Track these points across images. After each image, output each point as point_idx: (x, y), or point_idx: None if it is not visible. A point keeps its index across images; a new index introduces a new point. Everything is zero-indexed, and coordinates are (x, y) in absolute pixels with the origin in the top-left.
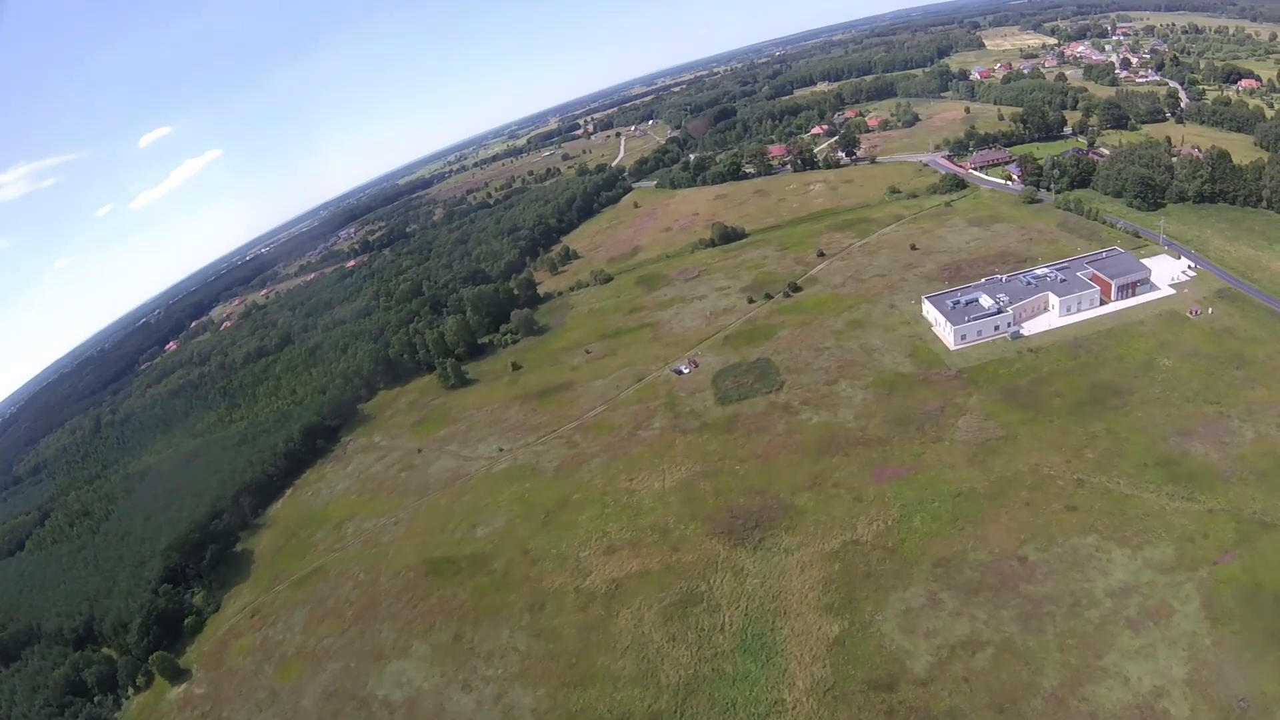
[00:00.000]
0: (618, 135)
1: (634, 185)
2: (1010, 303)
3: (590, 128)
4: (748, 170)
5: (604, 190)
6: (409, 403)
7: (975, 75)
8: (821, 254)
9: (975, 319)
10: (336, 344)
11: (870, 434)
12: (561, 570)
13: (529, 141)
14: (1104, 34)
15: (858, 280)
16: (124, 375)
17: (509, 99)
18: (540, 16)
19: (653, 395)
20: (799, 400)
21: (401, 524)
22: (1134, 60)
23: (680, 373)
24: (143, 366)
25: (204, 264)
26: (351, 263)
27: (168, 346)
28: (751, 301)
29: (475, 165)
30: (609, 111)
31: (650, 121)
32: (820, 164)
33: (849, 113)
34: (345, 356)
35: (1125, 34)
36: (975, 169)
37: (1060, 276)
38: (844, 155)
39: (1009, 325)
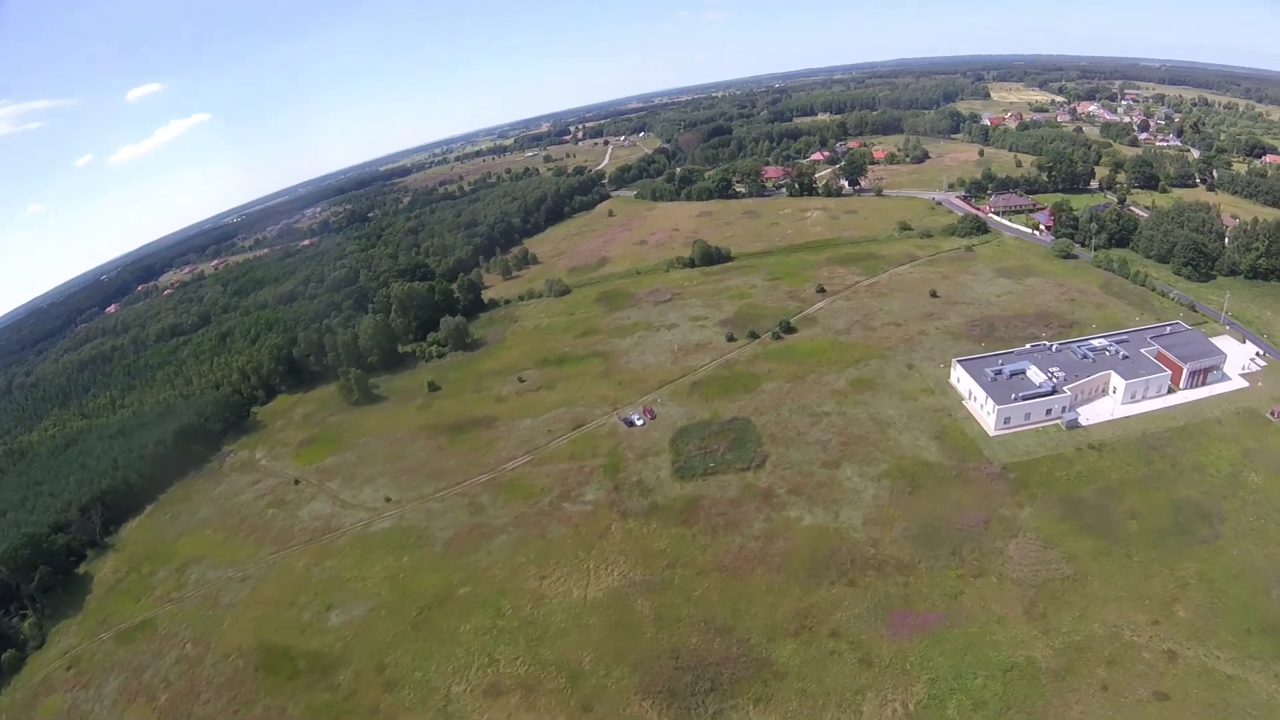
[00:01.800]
0: (605, 143)
1: (613, 193)
2: (1066, 380)
3: (579, 134)
4: (738, 189)
5: (579, 194)
6: (304, 415)
7: (986, 120)
8: (821, 290)
9: (1024, 398)
10: (248, 332)
11: (885, 553)
12: (423, 709)
13: (516, 142)
14: (1112, 97)
15: (866, 327)
16: (58, 334)
17: (503, 101)
18: (547, 19)
19: (591, 451)
20: (786, 486)
21: (249, 583)
22: (1152, 123)
23: (632, 424)
24: (77, 328)
25: (176, 228)
26: (305, 241)
27: (108, 309)
28: (731, 340)
29: (457, 159)
30: (601, 121)
31: (641, 134)
32: (820, 191)
33: (852, 143)
34: (252, 348)
35: (1134, 99)
36: (995, 214)
37: (1121, 352)
38: (847, 184)
39: (1064, 410)
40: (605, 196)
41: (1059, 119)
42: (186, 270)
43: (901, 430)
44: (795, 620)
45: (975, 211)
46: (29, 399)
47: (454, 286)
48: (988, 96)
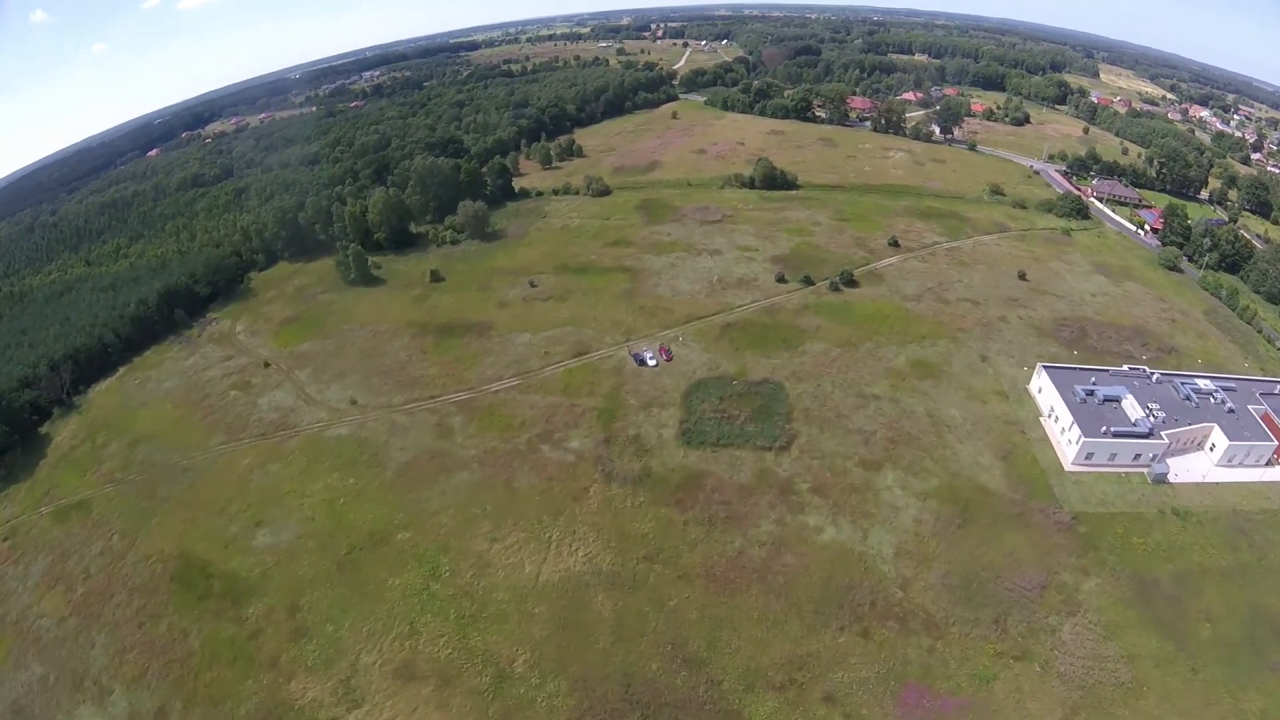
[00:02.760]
0: (685, 45)
1: (681, 95)
2: (1165, 423)
3: (659, 32)
4: (818, 114)
5: (644, 90)
6: (298, 288)
7: (1094, 98)
8: (895, 243)
9: (1116, 434)
10: (263, 190)
11: (915, 601)
12: (322, 678)
13: (592, 31)
14: (1226, 108)
15: (940, 298)
16: (96, 174)
17: None
18: None
19: (589, 387)
20: (811, 482)
21: (189, 475)
22: (1265, 145)
23: (643, 362)
24: (114, 170)
25: (236, 79)
26: (354, 104)
27: (150, 153)
28: (781, 281)
29: (529, 40)
30: (684, 24)
31: (724, 41)
32: (907, 132)
33: (949, 90)
34: (264, 208)
35: (1247, 116)
36: (1097, 199)
37: (1228, 403)
38: (938, 130)
39: (1155, 459)
40: (672, 98)
41: (1170, 116)
42: (233, 121)
43: (963, 438)
44: (785, 669)
45: (1076, 191)
46: (44, 239)
47: (484, 170)
48: (1096, 75)
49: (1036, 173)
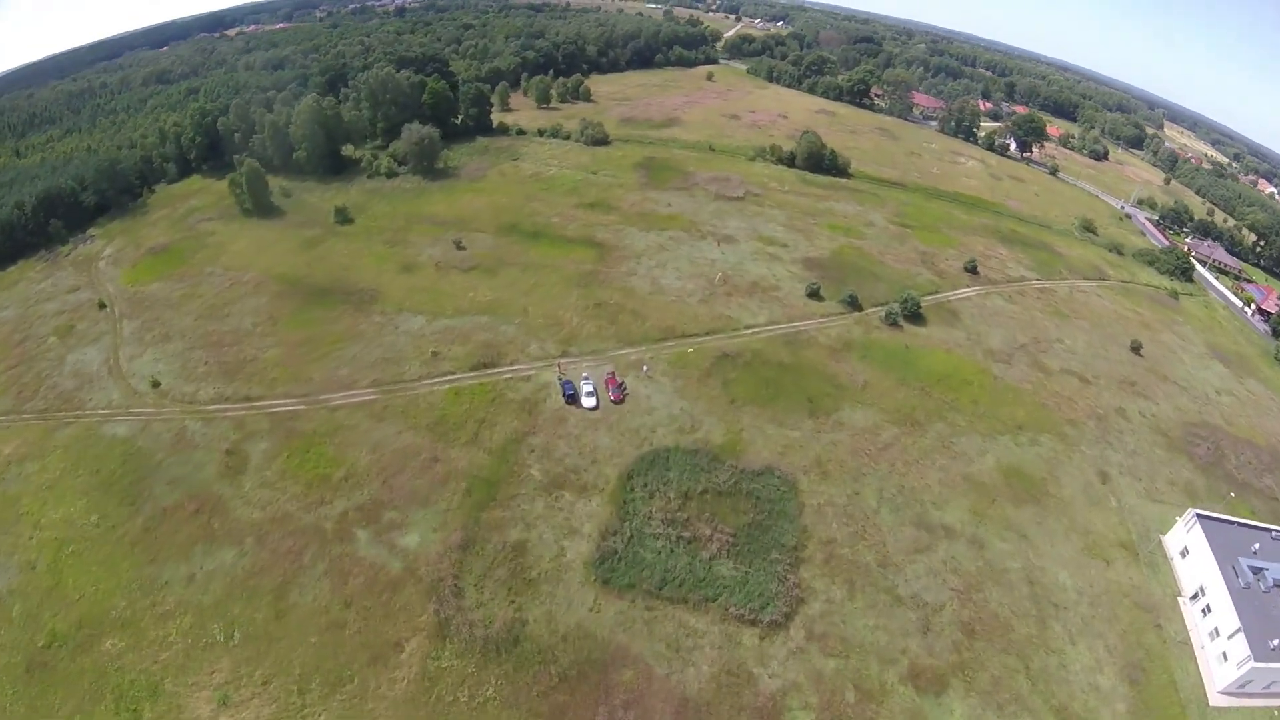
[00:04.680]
0: (738, 19)
1: (722, 60)
2: None
3: (714, 3)
4: (876, 102)
5: (680, 45)
6: (190, 209)
7: (1171, 147)
8: (973, 269)
9: None
10: (213, 91)
11: None
12: None
13: None
14: None
15: (1037, 363)
16: (93, 65)
17: None
18: None
19: (477, 427)
20: (816, 712)
21: None
22: None
23: (574, 398)
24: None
25: None
26: (373, 20)
27: (162, 49)
28: (815, 298)
29: None
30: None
31: (780, 22)
32: (979, 141)
33: (1018, 108)
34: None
35: None
36: (1198, 261)
37: None
38: (1014, 145)
39: None
40: (712, 60)
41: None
42: (251, 28)
43: (1075, 633)
44: None
45: (1176, 246)
46: (4, 124)
47: (459, 95)
48: (1161, 127)
49: (1128, 216)
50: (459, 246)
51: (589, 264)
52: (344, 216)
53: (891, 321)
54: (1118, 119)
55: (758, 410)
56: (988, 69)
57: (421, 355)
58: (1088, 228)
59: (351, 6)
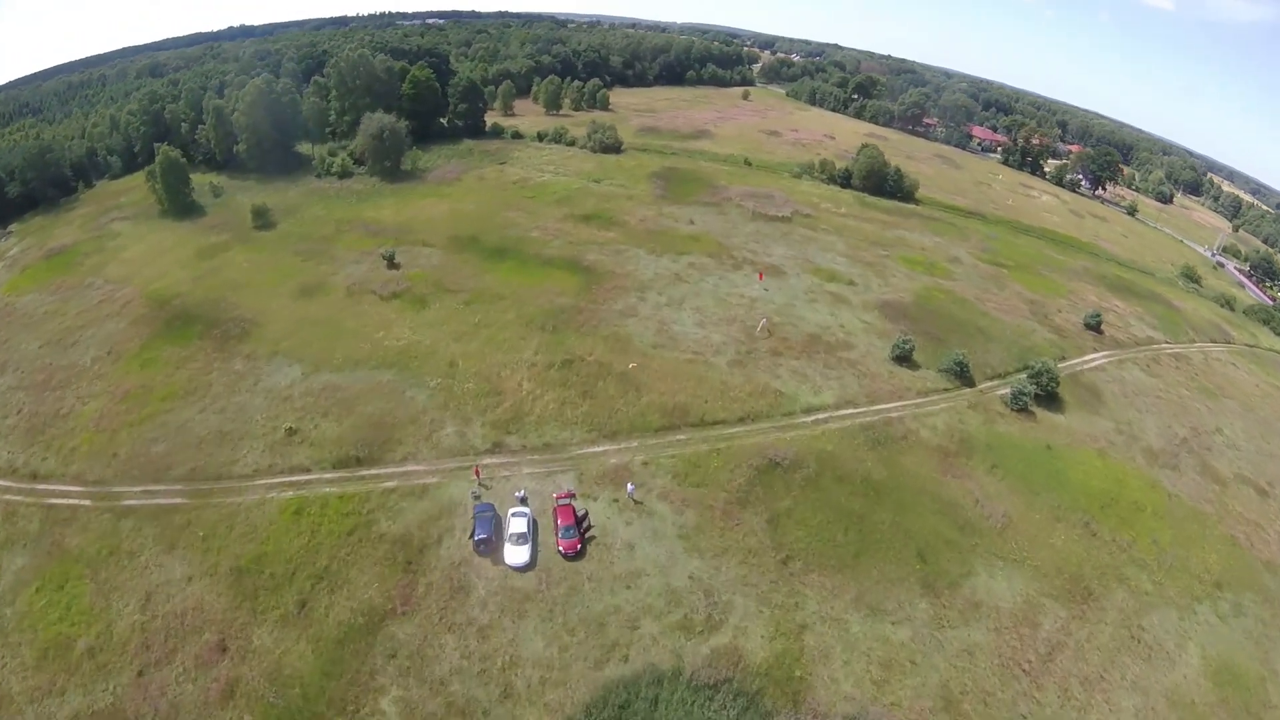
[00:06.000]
0: (774, 54)
1: (758, 84)
2: None
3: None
4: (931, 130)
5: (714, 63)
6: (110, 208)
7: (1231, 190)
8: (1095, 325)
9: None
10: (191, 81)
11: None
12: None
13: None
14: None
15: (1206, 467)
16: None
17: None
18: None
19: (320, 577)
20: None
21: None
22: None
23: (484, 541)
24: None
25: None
26: (422, 37)
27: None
28: (906, 363)
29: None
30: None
31: (818, 57)
32: (1048, 176)
33: (1072, 147)
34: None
35: None
36: None
37: None
38: (1085, 182)
39: None
40: (749, 81)
41: None
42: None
43: None
44: None
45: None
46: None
47: (452, 91)
48: (1205, 174)
49: (1220, 265)
50: (391, 263)
51: (567, 296)
52: (264, 220)
53: (1020, 405)
54: (1176, 162)
55: (831, 579)
56: (1033, 107)
57: (272, 433)
58: (1190, 277)
59: (389, 27)
